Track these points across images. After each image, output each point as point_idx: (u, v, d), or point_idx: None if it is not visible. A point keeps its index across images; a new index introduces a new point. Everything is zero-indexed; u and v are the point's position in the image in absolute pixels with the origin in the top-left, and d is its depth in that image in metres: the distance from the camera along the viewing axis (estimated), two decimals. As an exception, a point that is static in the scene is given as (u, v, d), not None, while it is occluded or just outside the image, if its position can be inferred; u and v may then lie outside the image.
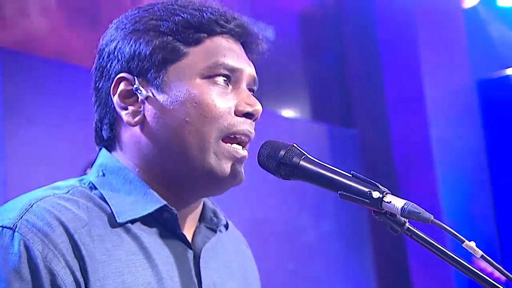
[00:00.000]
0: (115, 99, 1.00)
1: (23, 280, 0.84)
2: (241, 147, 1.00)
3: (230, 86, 1.00)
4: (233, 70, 0.99)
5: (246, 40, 1.05)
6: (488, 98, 5.09)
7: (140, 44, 0.98)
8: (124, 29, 1.00)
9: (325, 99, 5.56)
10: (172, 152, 0.98)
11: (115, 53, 1.00)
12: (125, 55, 0.99)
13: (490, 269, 0.81)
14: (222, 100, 0.97)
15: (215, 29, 0.99)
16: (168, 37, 0.97)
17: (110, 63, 1.01)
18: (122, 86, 1.00)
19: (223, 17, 1.00)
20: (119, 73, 1.00)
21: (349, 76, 6.38)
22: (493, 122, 5.00)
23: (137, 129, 1.00)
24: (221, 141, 0.97)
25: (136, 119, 0.99)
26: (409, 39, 5.16)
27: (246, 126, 0.99)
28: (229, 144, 0.98)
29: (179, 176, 0.99)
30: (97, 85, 1.05)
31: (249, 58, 1.05)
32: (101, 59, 1.03)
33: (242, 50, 1.04)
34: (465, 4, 5.16)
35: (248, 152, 1.03)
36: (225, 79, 0.99)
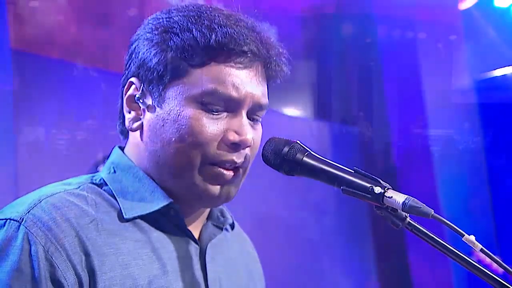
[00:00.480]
0: (124, 100, 1.04)
1: (22, 272, 0.87)
2: (230, 171, 0.99)
3: (226, 113, 0.99)
4: (230, 100, 0.97)
5: (262, 61, 1.02)
6: (486, 97, 5.13)
7: (150, 53, 0.99)
8: (145, 32, 1.02)
9: (326, 97, 5.59)
10: (163, 167, 1.00)
11: (133, 54, 1.03)
12: (138, 60, 1.01)
13: (488, 260, 0.83)
14: (212, 128, 0.97)
15: (220, 55, 0.97)
16: (174, 53, 0.97)
17: (130, 61, 1.04)
18: (131, 90, 1.02)
19: (234, 41, 0.96)
20: (132, 76, 1.02)
21: (350, 75, 6.41)
22: (491, 120, 5.04)
23: (137, 133, 1.03)
24: (207, 164, 0.98)
25: (135, 125, 1.02)
26: (408, 39, 5.19)
27: (231, 157, 0.98)
28: (216, 167, 0.99)
29: (172, 189, 1.02)
30: (123, 76, 1.07)
31: (269, 74, 1.04)
32: (128, 54, 1.06)
33: (253, 73, 1.00)
34: (462, 5, 5.20)
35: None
36: (219, 107, 0.98)
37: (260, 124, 1.05)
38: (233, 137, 0.98)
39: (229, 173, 0.99)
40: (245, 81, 0.98)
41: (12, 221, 0.90)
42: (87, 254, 0.91)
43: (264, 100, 1.02)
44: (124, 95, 1.04)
